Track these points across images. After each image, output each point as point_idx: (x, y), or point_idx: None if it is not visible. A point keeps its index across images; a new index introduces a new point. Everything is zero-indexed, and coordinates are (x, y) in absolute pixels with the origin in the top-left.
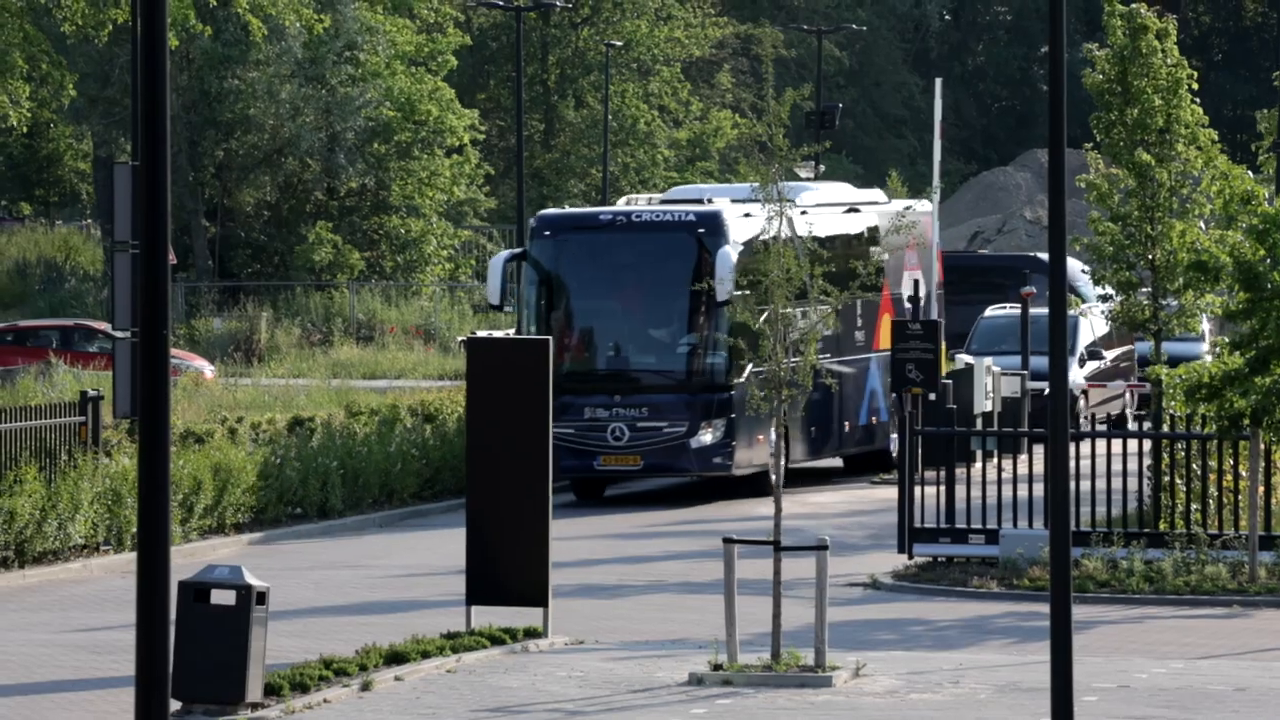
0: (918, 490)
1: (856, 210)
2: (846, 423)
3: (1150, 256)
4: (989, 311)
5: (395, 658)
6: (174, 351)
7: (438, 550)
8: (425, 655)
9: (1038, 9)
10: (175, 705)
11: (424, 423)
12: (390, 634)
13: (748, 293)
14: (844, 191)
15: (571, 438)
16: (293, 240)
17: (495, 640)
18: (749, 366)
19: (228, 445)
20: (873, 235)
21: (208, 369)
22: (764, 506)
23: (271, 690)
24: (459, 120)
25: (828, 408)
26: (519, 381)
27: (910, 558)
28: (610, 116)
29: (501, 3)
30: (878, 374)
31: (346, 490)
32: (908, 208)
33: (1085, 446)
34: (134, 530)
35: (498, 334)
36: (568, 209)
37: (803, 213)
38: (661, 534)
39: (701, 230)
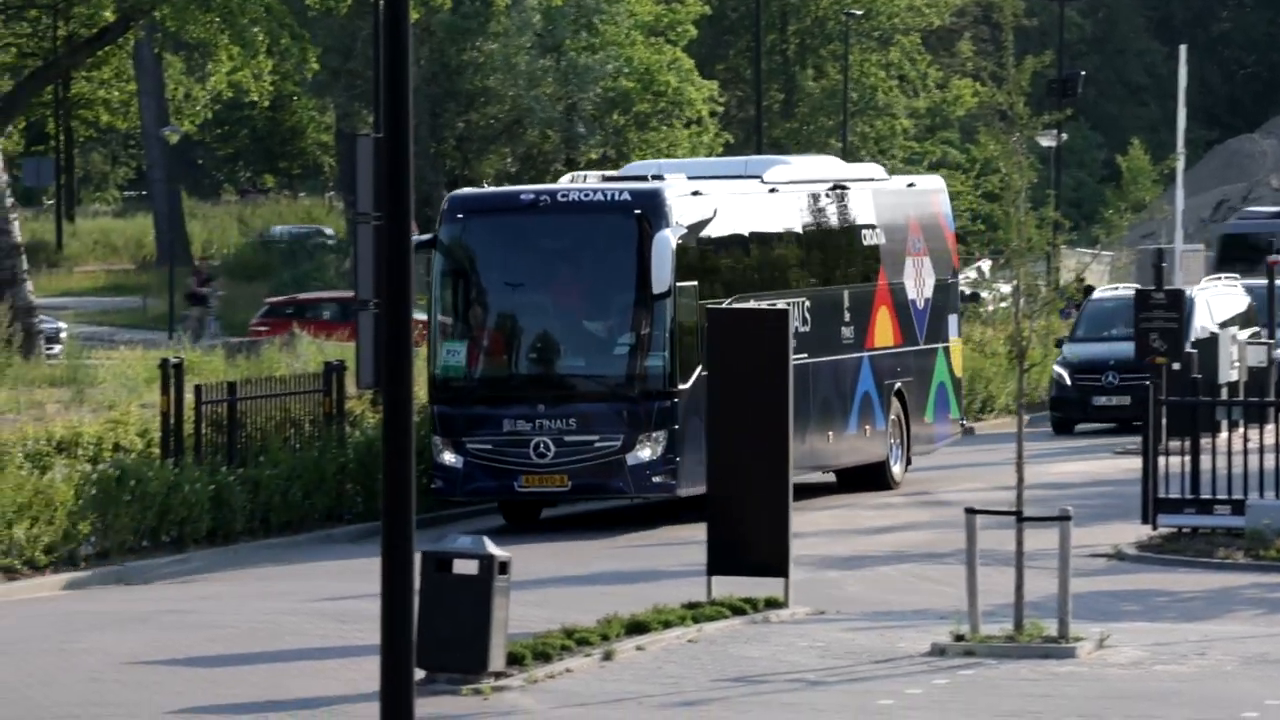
0: (1162, 461)
1: (843, 188)
2: (830, 433)
3: None
4: (1097, 293)
5: (637, 627)
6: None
7: (676, 520)
8: (667, 625)
9: None
10: (419, 674)
11: None
12: (630, 604)
13: (694, 284)
14: (829, 167)
15: (488, 455)
16: None
17: (736, 610)
18: (697, 369)
19: None
20: (866, 217)
21: None
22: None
23: (514, 659)
24: (698, 92)
25: (800, 416)
26: (759, 350)
27: (1154, 529)
28: (849, 86)
29: None
30: (871, 376)
31: None
32: (911, 184)
33: None
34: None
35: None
36: (486, 188)
37: (771, 191)
38: (895, 505)
39: (638, 211)
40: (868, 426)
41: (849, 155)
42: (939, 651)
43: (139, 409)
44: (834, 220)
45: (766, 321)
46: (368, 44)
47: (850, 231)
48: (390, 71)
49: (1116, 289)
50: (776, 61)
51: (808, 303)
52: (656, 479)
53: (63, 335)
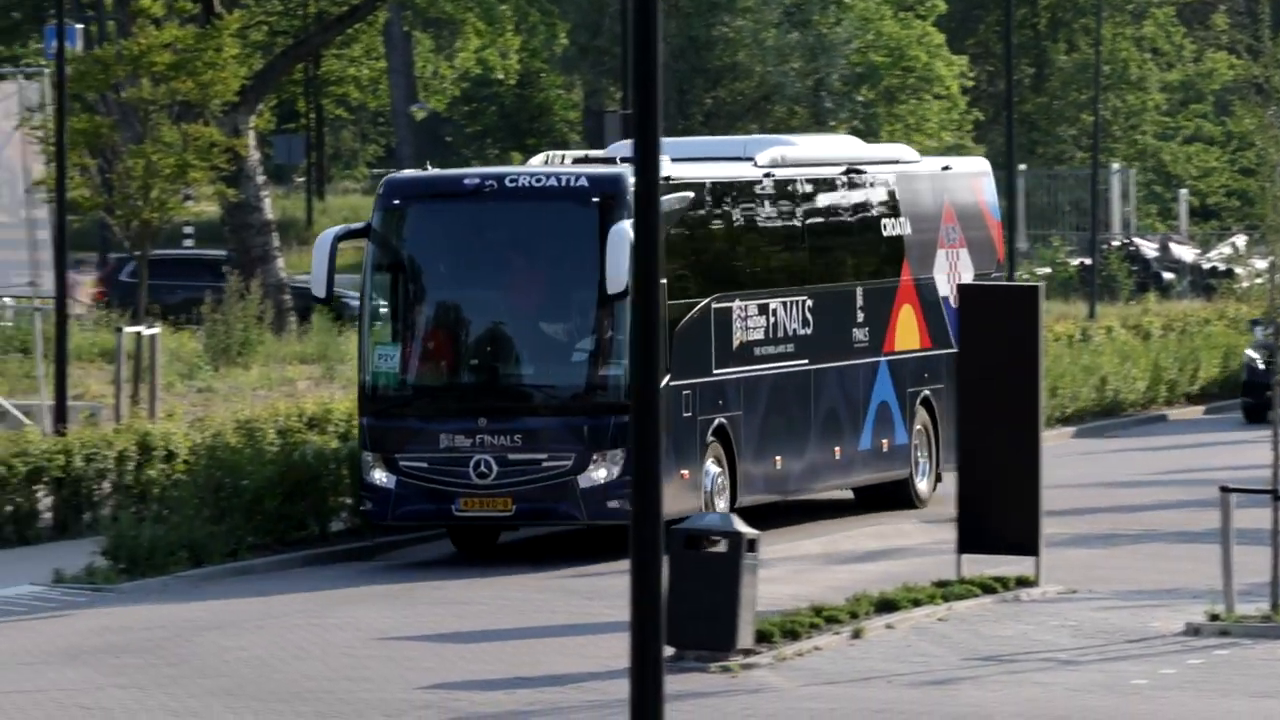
0: None
1: (858, 172)
2: (836, 448)
3: None
4: None
5: (886, 605)
6: None
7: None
8: (916, 603)
9: None
10: (668, 651)
11: None
12: (878, 582)
13: (661, 282)
14: (844, 148)
15: (423, 474)
16: None
17: (986, 589)
18: (665, 380)
19: None
20: (887, 204)
21: None
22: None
23: (762, 637)
24: (948, 68)
25: (797, 428)
26: (1010, 329)
27: None
28: (1101, 60)
29: None
30: (889, 382)
31: None
32: (945, 168)
33: None
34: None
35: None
36: (429, 170)
37: (766, 175)
38: (1153, 483)
39: (596, 199)
40: (885, 440)
41: (1102, 130)
42: (1193, 631)
43: None
44: (845, 208)
45: (1016, 299)
46: (616, 20)
47: (866, 221)
48: (639, 48)
49: None
50: (1027, 35)
51: (809, 302)
52: (613, 503)
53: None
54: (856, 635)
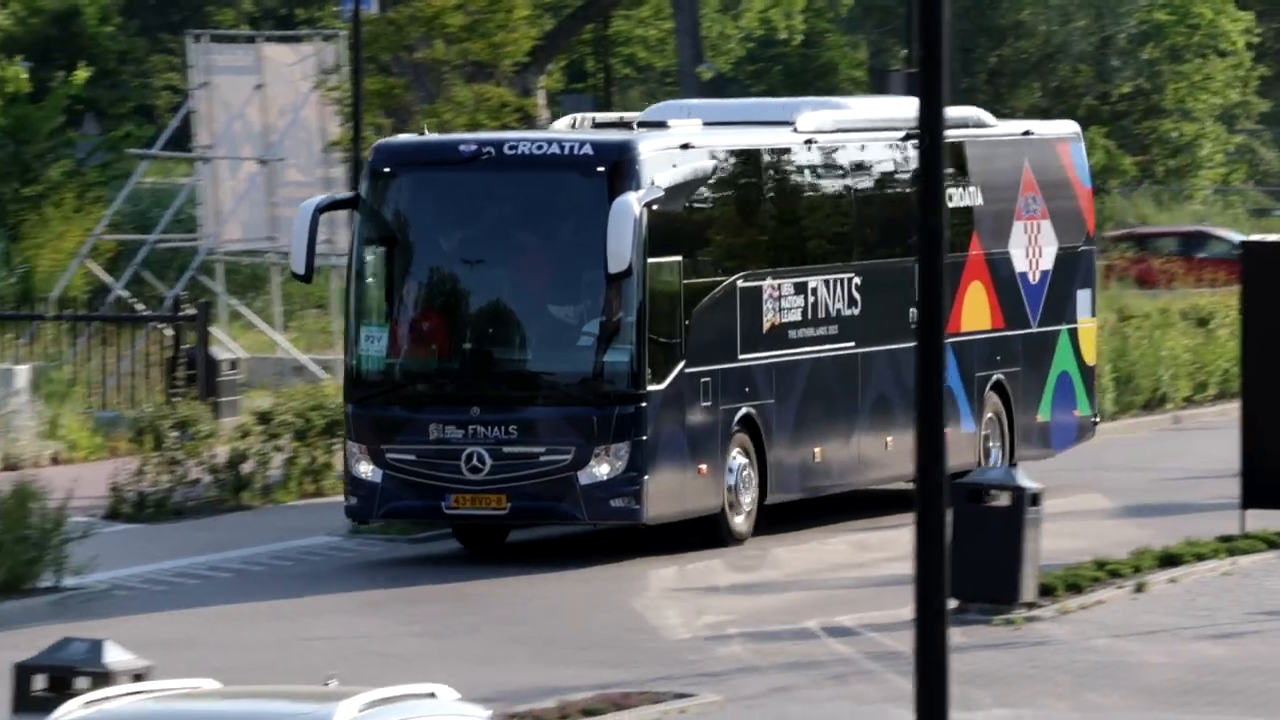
0: None
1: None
2: (889, 438)
3: None
4: None
5: (1169, 560)
6: None
7: (1207, 454)
8: (1199, 558)
9: None
10: (952, 603)
11: (1196, 326)
12: (1161, 537)
13: (677, 260)
14: (903, 110)
15: (411, 467)
16: None
17: (1271, 544)
18: (679, 366)
19: None
20: (953, 172)
21: None
22: None
23: (1045, 590)
24: (1233, 24)
25: (841, 417)
26: None
27: None
28: None
29: None
30: (953, 366)
31: (1116, 393)
32: (1027, 132)
33: None
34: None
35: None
36: (426, 135)
37: (807, 142)
38: None
39: (601, 169)
40: (947, 428)
41: None
42: None
43: None
44: (900, 177)
45: None
46: None
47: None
48: (924, 6)
49: None
50: None
51: (857, 280)
52: (616, 502)
53: None
54: (1139, 589)
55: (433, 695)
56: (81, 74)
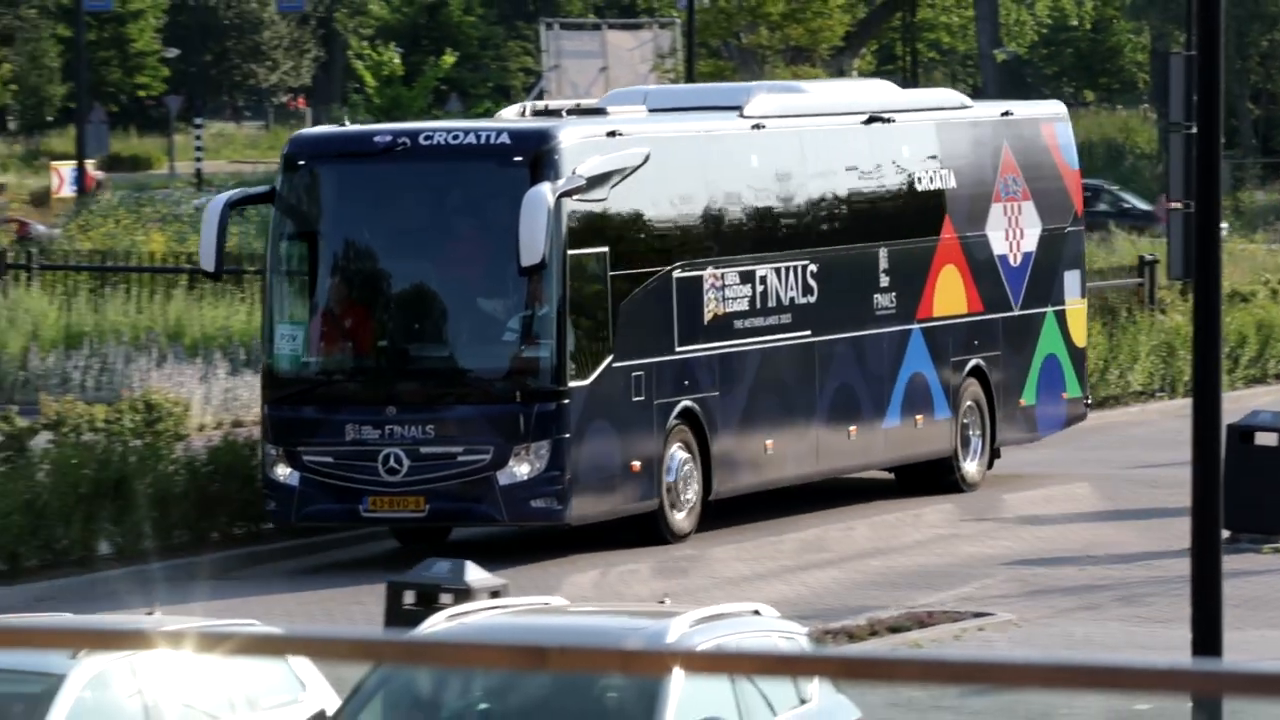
0: None
1: (882, 120)
2: (851, 427)
3: None
4: None
5: None
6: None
7: None
8: None
9: None
10: (1225, 534)
11: None
12: None
13: (602, 251)
14: (875, 94)
15: (328, 469)
16: None
17: None
18: (607, 360)
19: (1270, 304)
20: (922, 156)
21: None
22: None
23: None
24: None
25: (796, 408)
26: None
27: None
28: None
29: None
30: (926, 352)
31: None
32: (1006, 113)
33: None
34: (1186, 378)
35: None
36: (345, 126)
37: (755, 127)
38: None
39: (519, 159)
40: (919, 416)
41: None
42: None
43: None
44: (862, 161)
45: None
46: None
47: (891, 174)
48: None
49: None
50: None
51: (812, 267)
52: (537, 503)
53: None
54: None
55: (757, 613)
56: (448, 58)
